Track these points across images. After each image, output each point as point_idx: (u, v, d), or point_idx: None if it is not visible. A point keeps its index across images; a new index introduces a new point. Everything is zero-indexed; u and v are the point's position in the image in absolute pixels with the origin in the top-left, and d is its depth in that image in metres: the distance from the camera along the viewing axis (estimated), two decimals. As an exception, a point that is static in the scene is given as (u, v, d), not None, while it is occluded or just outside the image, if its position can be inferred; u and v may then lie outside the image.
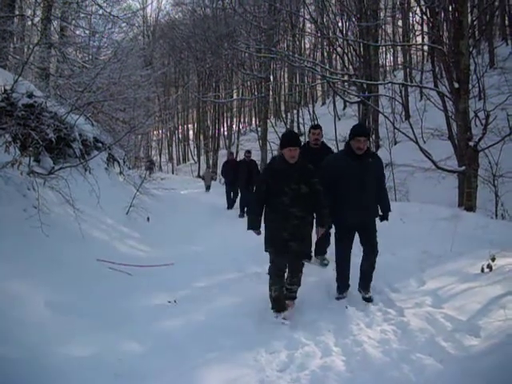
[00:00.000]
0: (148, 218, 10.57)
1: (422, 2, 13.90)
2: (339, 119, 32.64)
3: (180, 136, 56.90)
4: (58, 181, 7.01)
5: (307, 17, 22.44)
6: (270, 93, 31.89)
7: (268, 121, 28.11)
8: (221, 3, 34.13)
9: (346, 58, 20.47)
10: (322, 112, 33.99)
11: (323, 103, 42.83)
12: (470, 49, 12.14)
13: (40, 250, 5.56)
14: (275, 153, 21.18)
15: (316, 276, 6.37)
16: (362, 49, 18.84)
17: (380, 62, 24.46)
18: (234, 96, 40.13)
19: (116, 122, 16.23)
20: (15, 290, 4.56)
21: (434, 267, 6.58)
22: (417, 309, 5.13)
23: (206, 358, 4.26)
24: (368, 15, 17.40)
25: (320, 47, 38.13)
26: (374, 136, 19.18)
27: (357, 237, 5.76)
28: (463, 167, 11.31)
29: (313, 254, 5.74)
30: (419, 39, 27.36)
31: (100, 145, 11.25)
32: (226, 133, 43.48)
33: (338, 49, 21.41)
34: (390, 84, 20.91)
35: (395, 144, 22.64)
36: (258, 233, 5.39)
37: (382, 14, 22.03)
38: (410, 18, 27.44)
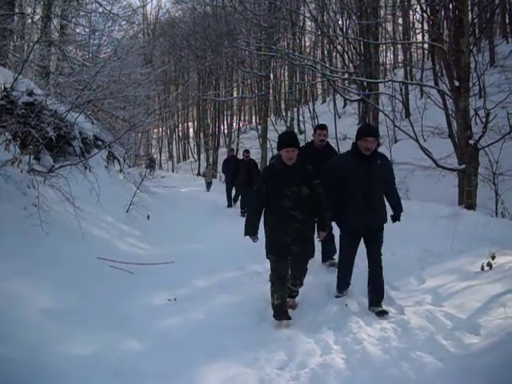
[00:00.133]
0: (148, 216, 10.57)
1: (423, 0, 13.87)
2: (339, 117, 32.70)
3: (180, 134, 56.87)
4: (58, 179, 7.01)
5: (307, 15, 22.43)
6: (270, 91, 31.87)
7: (268, 119, 28.14)
8: (221, 1, 34.11)
9: (346, 56, 20.49)
10: (322, 110, 34.04)
11: (323, 101, 42.81)
12: (471, 47, 12.13)
13: (40, 249, 5.56)
14: (275, 151, 21.23)
15: (316, 275, 6.36)
16: (362, 47, 18.83)
17: (380, 60, 24.40)
18: (234, 94, 40.11)
19: (116, 120, 16.24)
20: (15, 289, 4.57)
21: (434, 265, 6.58)
22: (417, 307, 5.13)
23: (205, 357, 4.26)
24: (368, 13, 17.38)
25: (320, 45, 38.19)
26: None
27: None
28: (463, 165, 11.31)
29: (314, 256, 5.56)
30: (419, 37, 27.42)
31: (100, 143, 11.24)
32: (226, 131, 43.50)
33: (338, 47, 21.44)
34: (390, 82, 20.93)
35: (395, 142, 22.67)
36: (255, 239, 5.16)
37: (382, 12, 22.03)
38: (411, 16, 27.39)
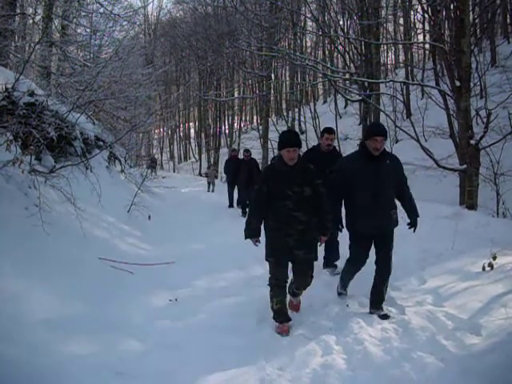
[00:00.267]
0: (149, 217, 10.57)
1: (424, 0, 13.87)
2: (340, 117, 32.70)
3: (181, 134, 56.93)
4: (59, 179, 7.01)
5: (308, 15, 22.41)
6: (272, 91, 31.96)
7: (269, 119, 28.13)
8: (222, 1, 34.14)
9: (347, 57, 20.48)
10: (323, 110, 34.01)
11: (324, 101, 42.81)
12: (472, 47, 12.14)
13: (41, 249, 5.56)
14: (276, 151, 21.25)
15: (317, 275, 6.35)
16: (363, 47, 18.80)
17: (381, 61, 24.37)
18: (236, 94, 40.14)
19: (117, 120, 16.26)
20: (16, 289, 4.57)
21: (434, 265, 6.59)
22: (418, 307, 5.13)
23: (206, 357, 4.26)
24: (369, 13, 17.35)
25: (321, 45, 38.19)
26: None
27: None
28: (464, 165, 11.31)
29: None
30: (420, 37, 27.39)
31: (101, 143, 11.25)
32: (227, 131, 43.48)
33: (340, 47, 21.42)
34: (391, 82, 20.91)
35: (396, 142, 22.65)
36: (257, 242, 4.99)
37: (383, 12, 21.98)
38: (412, 16, 27.42)
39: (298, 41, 33.51)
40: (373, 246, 5.20)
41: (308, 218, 4.82)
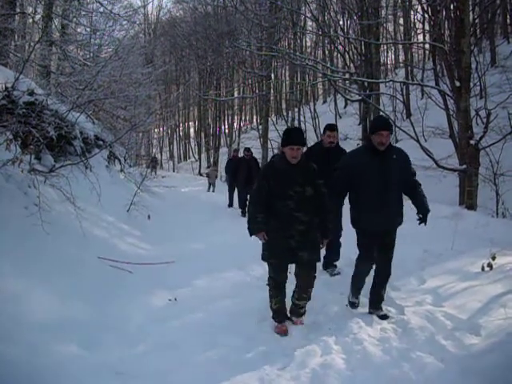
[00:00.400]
0: (149, 216, 10.57)
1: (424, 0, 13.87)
2: (340, 117, 32.75)
3: (181, 134, 56.94)
4: (58, 179, 7.01)
5: (308, 15, 22.40)
6: (271, 91, 31.96)
7: (269, 119, 28.15)
8: (222, 1, 34.17)
9: (347, 56, 20.51)
10: (322, 110, 34.06)
11: (324, 101, 42.86)
12: (472, 47, 12.16)
13: (41, 248, 5.56)
14: (276, 151, 21.20)
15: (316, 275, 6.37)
16: (363, 47, 18.84)
17: (381, 61, 24.39)
18: (235, 94, 40.13)
19: (117, 119, 16.27)
20: (15, 288, 4.57)
21: (434, 265, 6.59)
22: (417, 307, 5.13)
23: (206, 356, 4.27)
24: (369, 13, 17.38)
25: (321, 45, 38.18)
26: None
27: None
28: (464, 166, 11.32)
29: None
30: (420, 37, 27.41)
31: (101, 143, 11.25)
32: (227, 131, 43.49)
33: (339, 47, 21.44)
34: (391, 82, 20.92)
35: (396, 142, 22.63)
36: (264, 236, 4.70)
37: (383, 12, 22.01)
38: (412, 16, 27.46)
39: (298, 40, 33.55)
40: None
41: (309, 218, 4.67)
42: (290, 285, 4.96)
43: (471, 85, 11.88)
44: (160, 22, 48.15)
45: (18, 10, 12.79)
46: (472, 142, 11.09)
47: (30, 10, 15.00)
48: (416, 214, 5.03)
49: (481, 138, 11.23)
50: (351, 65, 21.19)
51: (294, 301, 4.93)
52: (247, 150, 14.49)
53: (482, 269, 6.04)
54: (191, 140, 54.74)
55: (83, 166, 8.96)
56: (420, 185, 5.09)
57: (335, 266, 6.73)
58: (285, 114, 36.25)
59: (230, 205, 15.32)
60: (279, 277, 4.82)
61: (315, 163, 4.91)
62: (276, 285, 4.86)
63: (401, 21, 30.61)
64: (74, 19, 15.06)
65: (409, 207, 5.12)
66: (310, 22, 33.08)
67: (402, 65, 34.77)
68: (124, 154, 16.05)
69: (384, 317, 4.94)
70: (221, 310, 5.46)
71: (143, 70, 17.82)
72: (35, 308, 4.51)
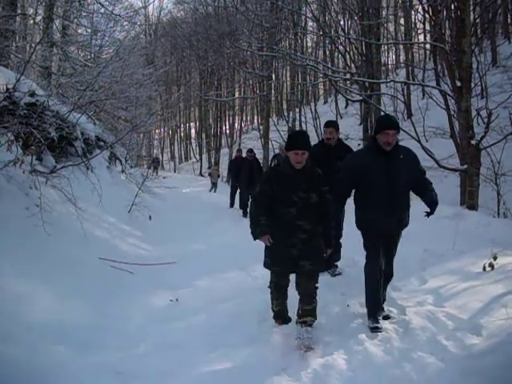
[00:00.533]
0: (150, 217, 10.58)
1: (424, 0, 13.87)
2: (341, 117, 32.77)
3: (182, 134, 56.93)
4: (60, 179, 7.02)
5: (309, 15, 22.39)
6: (272, 91, 31.94)
7: (270, 119, 28.13)
8: (223, 1, 34.15)
9: (347, 57, 20.46)
10: (324, 110, 34.05)
11: (325, 101, 42.88)
12: (473, 47, 12.12)
13: (42, 249, 5.57)
14: (277, 151, 21.20)
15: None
16: (364, 47, 18.81)
17: (382, 61, 24.41)
18: (236, 94, 40.09)
19: (118, 120, 16.30)
20: (16, 289, 4.58)
21: (435, 266, 6.58)
22: (418, 307, 5.13)
23: (207, 357, 4.27)
24: (370, 13, 17.37)
25: (322, 46, 38.15)
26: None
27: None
28: (465, 166, 11.30)
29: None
30: (421, 37, 27.41)
31: (102, 143, 11.27)
32: (228, 131, 43.50)
33: (340, 47, 21.34)
34: (391, 82, 20.92)
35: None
36: (269, 239, 4.44)
37: (384, 13, 22.00)
38: (412, 17, 27.41)
39: (299, 41, 33.48)
40: None
41: (312, 226, 4.46)
42: (291, 288, 4.94)
43: (472, 85, 11.86)
44: (161, 23, 48.17)
45: (19, 11, 12.85)
46: (473, 142, 11.07)
47: (30, 11, 15.09)
48: (427, 206, 4.92)
49: (482, 138, 11.21)
50: (352, 65, 21.15)
51: (299, 319, 4.58)
52: (250, 151, 14.39)
53: (484, 269, 6.03)
54: (192, 141, 54.69)
55: (84, 167, 8.98)
56: (431, 183, 4.97)
57: (336, 267, 6.72)
58: (286, 114, 36.19)
59: (232, 205, 15.25)
60: (281, 281, 4.74)
61: (317, 162, 4.80)
62: (277, 288, 4.79)
63: (401, 21, 30.56)
64: (75, 20, 15.11)
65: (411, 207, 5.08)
66: (310, 23, 33.07)
67: (402, 65, 34.83)
68: (125, 155, 16.08)
69: (385, 317, 4.89)
70: (222, 310, 5.46)
71: (144, 71, 17.84)
72: (36, 308, 4.51)
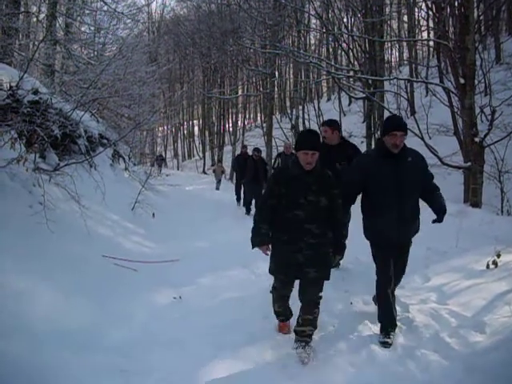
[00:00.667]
0: (153, 214, 10.58)
1: (428, -3, 13.85)
2: (344, 115, 32.71)
3: (185, 132, 56.98)
4: (63, 177, 7.03)
5: (312, 13, 22.37)
6: (275, 89, 31.87)
7: (273, 117, 28.10)
8: (226, -1, 34.11)
9: (351, 54, 20.41)
10: (327, 108, 34.02)
11: (328, 99, 42.83)
12: (476, 44, 12.10)
13: (45, 246, 5.57)
14: (280, 149, 21.16)
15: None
16: (367, 44, 18.77)
17: (385, 58, 24.37)
18: (239, 92, 40.10)
19: (121, 118, 16.29)
20: (19, 286, 4.58)
21: (438, 263, 6.58)
22: (421, 305, 5.13)
23: (210, 354, 4.27)
24: (373, 11, 17.33)
25: (325, 43, 38.05)
26: (379, 132, 19.15)
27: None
28: (469, 163, 11.30)
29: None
30: (425, 35, 27.37)
31: (105, 141, 11.27)
32: (231, 129, 43.49)
33: (343, 45, 21.36)
34: (395, 80, 20.89)
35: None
36: (267, 250, 4.38)
37: (387, 10, 21.94)
38: (416, 14, 27.37)
39: (302, 38, 33.44)
40: None
41: (321, 231, 4.21)
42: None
43: (476, 82, 11.86)
44: (164, 21, 48.20)
45: (22, 9, 12.83)
46: (477, 139, 11.06)
47: (34, 9, 15.04)
48: (435, 214, 4.70)
49: (485, 136, 11.20)
50: (355, 62, 21.14)
51: (298, 328, 4.38)
52: (257, 150, 14.02)
53: (487, 266, 6.03)
54: (195, 138, 54.71)
55: (88, 165, 8.98)
56: (439, 189, 4.79)
57: (338, 265, 6.70)
58: (289, 111, 36.15)
59: (238, 199, 15.00)
60: (284, 290, 4.57)
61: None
62: (279, 297, 4.65)
63: (405, 18, 30.49)
64: (78, 18, 15.13)
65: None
66: (313, 20, 33.01)
67: (406, 62, 34.68)
68: (128, 153, 16.08)
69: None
70: (225, 308, 5.46)
71: (147, 69, 17.84)
72: (38, 306, 4.52)
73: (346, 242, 4.55)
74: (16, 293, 4.45)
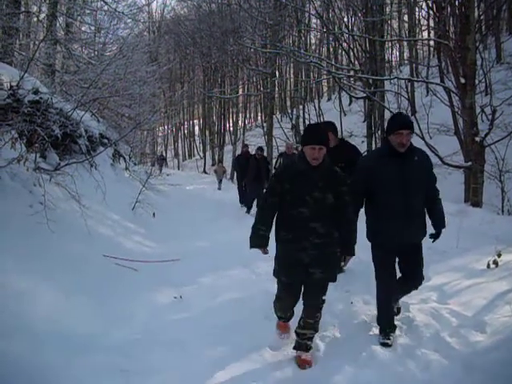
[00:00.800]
0: (154, 214, 10.59)
1: (428, -4, 13.85)
2: (345, 115, 32.71)
3: (186, 132, 56.99)
4: (63, 177, 7.03)
5: (313, 12, 22.38)
6: (276, 88, 31.87)
7: (274, 116, 28.12)
8: (226, -2, 34.12)
9: (351, 54, 20.43)
10: (327, 107, 34.04)
11: (329, 99, 42.84)
12: (477, 44, 12.11)
13: (46, 246, 5.57)
14: (281, 149, 21.18)
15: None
16: (367, 44, 18.80)
17: (386, 58, 24.34)
18: (240, 91, 40.10)
19: (122, 118, 16.29)
20: (19, 286, 4.58)
21: (439, 263, 6.57)
22: (422, 304, 5.13)
23: (210, 354, 4.27)
24: (374, 10, 17.35)
25: (326, 43, 38.09)
26: (379, 132, 19.16)
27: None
28: (469, 163, 11.30)
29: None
30: (425, 34, 27.33)
31: (106, 141, 11.28)
32: (231, 128, 43.50)
33: (344, 44, 21.35)
34: (395, 79, 20.88)
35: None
36: (265, 251, 4.19)
37: (387, 9, 21.94)
38: (416, 13, 27.37)
39: (303, 38, 33.50)
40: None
41: (327, 230, 3.99)
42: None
43: (476, 82, 11.86)
44: (164, 20, 48.20)
45: (22, 8, 12.82)
46: (477, 138, 11.06)
47: (34, 8, 15.03)
48: (432, 226, 4.63)
49: (486, 135, 11.20)
50: (356, 62, 21.15)
51: (299, 330, 4.23)
52: (260, 149, 13.86)
53: (488, 266, 6.03)
54: (196, 138, 54.75)
55: (88, 165, 8.98)
56: (440, 199, 4.67)
57: (343, 271, 6.66)
58: (289, 111, 36.17)
59: (242, 201, 14.73)
60: (288, 299, 4.26)
61: None
62: (282, 308, 4.38)
63: (405, 18, 30.46)
64: (79, 18, 15.11)
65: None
66: (314, 20, 33.00)
67: (406, 62, 34.71)
68: (129, 152, 16.09)
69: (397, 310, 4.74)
70: (226, 307, 5.47)
71: (148, 68, 17.81)
72: (39, 305, 4.51)
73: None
74: (17, 293, 4.44)
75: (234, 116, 41.69)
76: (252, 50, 28.70)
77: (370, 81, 16.21)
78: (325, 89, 46.21)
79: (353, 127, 28.09)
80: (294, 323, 4.56)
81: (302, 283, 4.14)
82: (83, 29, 15.91)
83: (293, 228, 4.01)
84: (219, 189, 23.44)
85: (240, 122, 41.41)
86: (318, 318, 4.20)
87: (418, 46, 30.40)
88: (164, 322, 5.05)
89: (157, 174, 17.40)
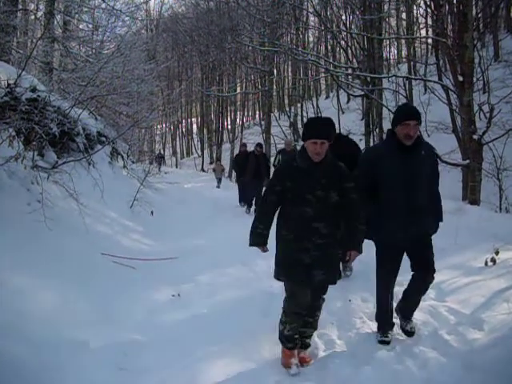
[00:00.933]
0: (152, 212, 10.58)
1: (426, -6, 13.84)
2: (343, 112, 32.70)
3: (183, 130, 56.98)
4: (61, 175, 7.02)
5: (311, 10, 22.39)
6: (274, 86, 31.93)
7: (272, 114, 28.14)
8: (224, -3, 34.10)
9: (349, 52, 20.43)
10: (325, 105, 34.05)
11: (327, 97, 42.88)
12: (475, 42, 12.10)
13: (44, 244, 5.57)
14: (280, 146, 21.15)
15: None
16: (365, 42, 18.79)
17: (384, 56, 24.36)
18: (238, 89, 40.10)
19: (119, 116, 16.26)
20: (17, 284, 4.57)
21: (437, 260, 6.49)
22: (420, 302, 5.13)
23: (208, 352, 4.27)
24: (372, 8, 17.35)
25: (324, 40, 38.14)
26: (377, 130, 19.16)
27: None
28: (467, 161, 11.32)
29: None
30: (423, 32, 27.27)
31: (103, 139, 11.26)
32: (229, 126, 43.51)
33: (342, 42, 21.38)
34: (393, 77, 20.88)
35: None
36: (265, 250, 4.02)
37: (385, 7, 21.93)
38: (414, 11, 27.34)
39: (301, 36, 33.49)
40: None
41: (330, 230, 3.84)
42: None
43: (474, 79, 11.86)
44: (162, 18, 48.14)
45: (20, 6, 12.83)
46: (475, 136, 11.07)
47: (32, 6, 15.05)
48: None
49: (484, 133, 11.21)
50: (354, 60, 21.13)
51: (299, 328, 4.10)
52: (259, 145, 13.88)
53: (486, 264, 6.03)
54: (194, 136, 54.71)
55: (86, 163, 8.97)
56: (440, 200, 4.57)
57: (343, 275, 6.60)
58: (287, 109, 36.18)
59: (241, 200, 14.68)
60: (298, 296, 3.93)
61: None
62: (295, 309, 3.98)
63: (403, 15, 30.47)
64: (76, 15, 15.09)
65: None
66: (312, 18, 33.09)
67: (404, 60, 34.74)
68: (127, 150, 16.07)
69: (410, 333, 4.40)
70: (224, 305, 5.47)
71: (145, 66, 17.78)
72: (36, 303, 4.51)
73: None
74: (14, 291, 4.43)
75: (232, 114, 41.65)
76: (250, 48, 28.70)
77: (368, 79, 16.21)
78: (323, 87, 46.27)
79: (351, 125, 28.02)
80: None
81: (304, 283, 3.92)
82: (81, 27, 15.89)
83: (294, 227, 3.86)
84: (218, 187, 23.43)
85: (238, 120, 41.43)
86: (318, 316, 4.18)
87: (415, 44, 30.39)
88: (162, 320, 5.05)
89: (155, 172, 17.38)
